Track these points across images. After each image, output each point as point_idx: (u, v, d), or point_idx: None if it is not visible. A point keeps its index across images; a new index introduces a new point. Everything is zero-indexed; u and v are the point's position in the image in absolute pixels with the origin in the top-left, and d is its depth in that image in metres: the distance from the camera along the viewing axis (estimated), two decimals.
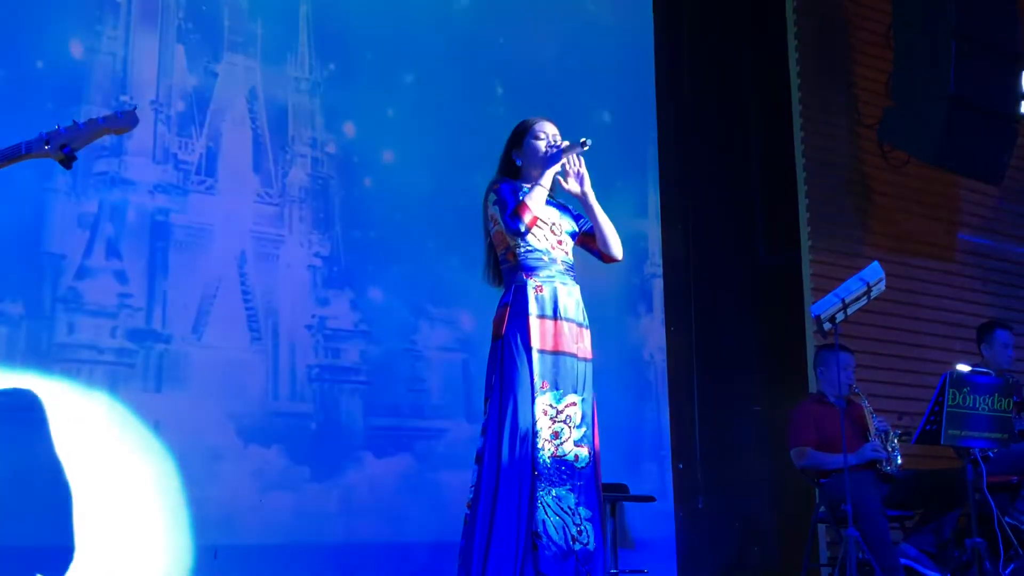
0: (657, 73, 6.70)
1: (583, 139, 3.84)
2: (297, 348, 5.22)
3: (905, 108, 6.93)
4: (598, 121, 6.27)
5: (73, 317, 4.69)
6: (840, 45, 7.38)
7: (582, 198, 4.04)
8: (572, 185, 4.03)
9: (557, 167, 3.92)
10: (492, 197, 3.95)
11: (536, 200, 3.84)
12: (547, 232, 3.95)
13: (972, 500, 5.07)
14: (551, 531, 3.69)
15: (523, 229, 3.80)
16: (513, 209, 3.81)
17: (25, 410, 4.51)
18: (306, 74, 5.46)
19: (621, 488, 5.68)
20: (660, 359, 6.41)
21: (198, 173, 5.09)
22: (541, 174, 3.89)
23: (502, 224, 3.87)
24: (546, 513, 3.70)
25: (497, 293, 4.06)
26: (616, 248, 4.07)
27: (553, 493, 3.72)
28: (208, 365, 4.94)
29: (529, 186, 3.93)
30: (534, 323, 3.80)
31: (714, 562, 6.38)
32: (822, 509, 5.49)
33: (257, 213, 5.23)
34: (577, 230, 4.09)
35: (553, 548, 3.67)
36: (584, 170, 4.02)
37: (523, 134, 4.04)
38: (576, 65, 6.36)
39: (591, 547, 3.75)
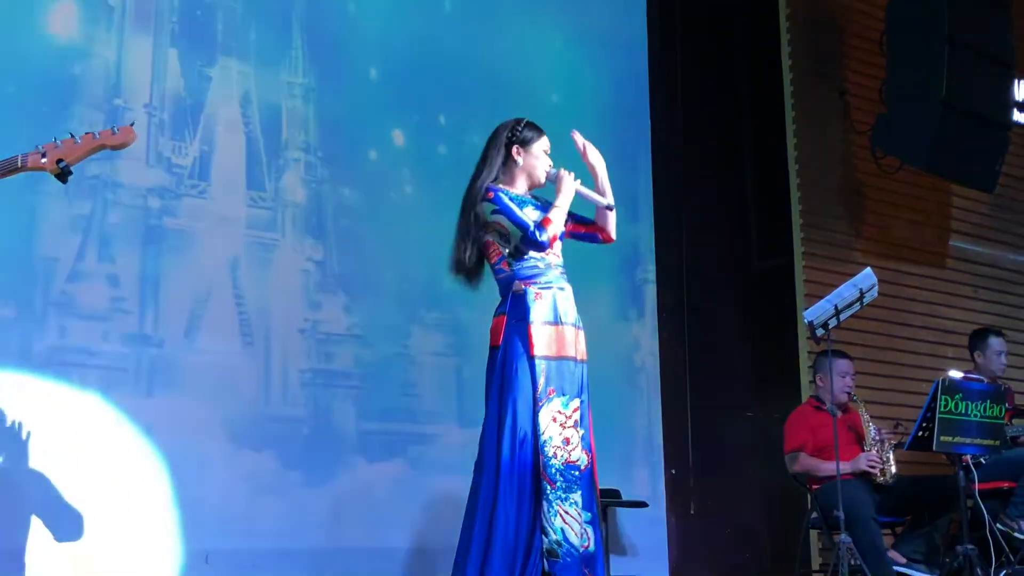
0: (651, 78, 6.71)
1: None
2: (289, 352, 5.21)
3: (898, 115, 6.95)
4: (591, 127, 6.27)
5: (65, 320, 4.68)
6: (833, 51, 7.40)
7: (597, 170, 4.10)
8: (593, 156, 4.09)
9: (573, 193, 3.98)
10: (491, 206, 3.90)
11: (559, 219, 3.91)
12: None
13: (964, 506, 5.08)
14: (571, 538, 3.69)
15: (545, 239, 3.85)
16: (538, 224, 3.85)
17: (16, 413, 4.49)
18: (300, 79, 5.46)
19: (613, 493, 5.68)
20: (652, 364, 6.41)
21: (191, 177, 5.09)
22: (559, 196, 3.93)
23: (519, 238, 3.86)
24: (564, 521, 3.70)
25: (489, 295, 4.06)
26: (614, 227, 4.15)
27: (571, 499, 3.73)
28: (200, 369, 4.94)
29: (516, 189, 4.00)
30: (536, 330, 3.81)
31: (706, 568, 6.37)
32: (814, 515, 5.50)
33: (250, 217, 5.22)
34: (564, 230, 4.09)
35: (574, 554, 3.68)
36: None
37: (531, 140, 4.05)
38: (569, 72, 6.37)
39: (592, 549, 3.76)
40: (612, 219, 4.12)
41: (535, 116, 4.20)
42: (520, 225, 3.86)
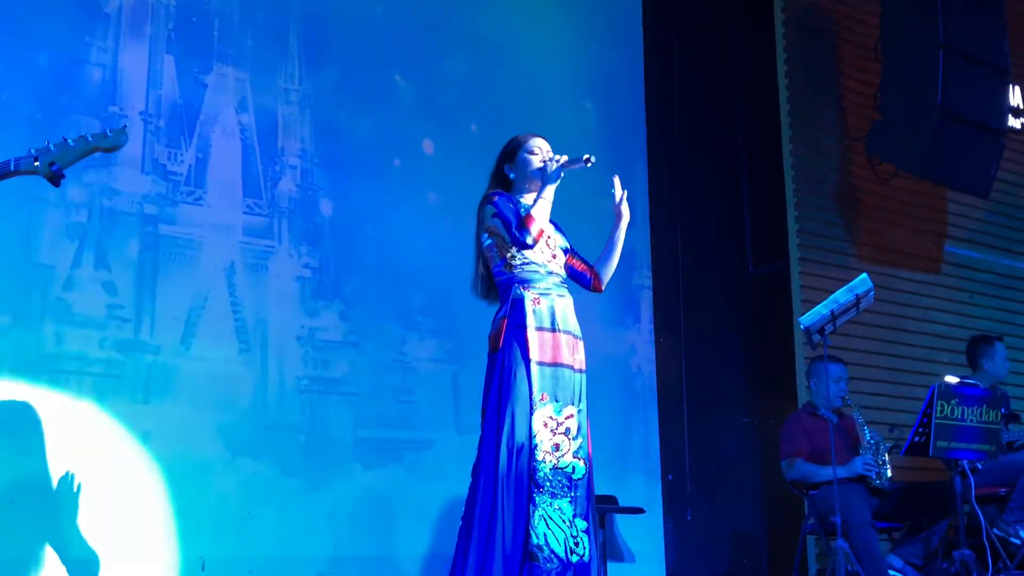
0: (647, 84, 6.72)
1: (587, 156, 3.90)
2: (286, 359, 5.21)
3: (893, 121, 6.95)
4: (587, 132, 6.28)
5: (61, 328, 4.67)
6: (829, 58, 7.41)
7: (620, 221, 4.13)
8: (624, 209, 4.11)
9: (558, 181, 3.96)
10: (490, 210, 3.96)
11: (542, 213, 3.90)
12: (543, 245, 3.98)
13: (960, 512, 5.08)
14: (553, 544, 3.70)
15: (531, 241, 3.85)
16: (520, 222, 3.85)
17: (12, 421, 4.49)
18: (296, 85, 5.46)
19: (610, 500, 5.68)
20: (648, 370, 6.41)
21: (187, 184, 5.09)
22: (542, 188, 3.93)
23: (506, 237, 3.89)
24: (547, 526, 3.71)
25: (488, 304, 4.08)
26: (609, 279, 4.17)
27: (555, 505, 3.73)
28: (197, 376, 4.93)
29: (527, 199, 3.98)
30: (532, 335, 3.82)
31: (703, 574, 6.37)
32: (811, 521, 5.49)
33: (246, 224, 5.22)
34: (569, 247, 4.13)
35: (555, 561, 3.68)
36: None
37: (517, 149, 4.09)
38: (566, 78, 6.37)
39: (586, 558, 3.76)
40: (612, 264, 4.14)
41: (524, 123, 4.23)
42: (505, 222, 3.88)
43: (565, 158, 3.96)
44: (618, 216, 4.12)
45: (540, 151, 4.05)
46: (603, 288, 4.17)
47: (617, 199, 4.11)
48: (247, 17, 5.38)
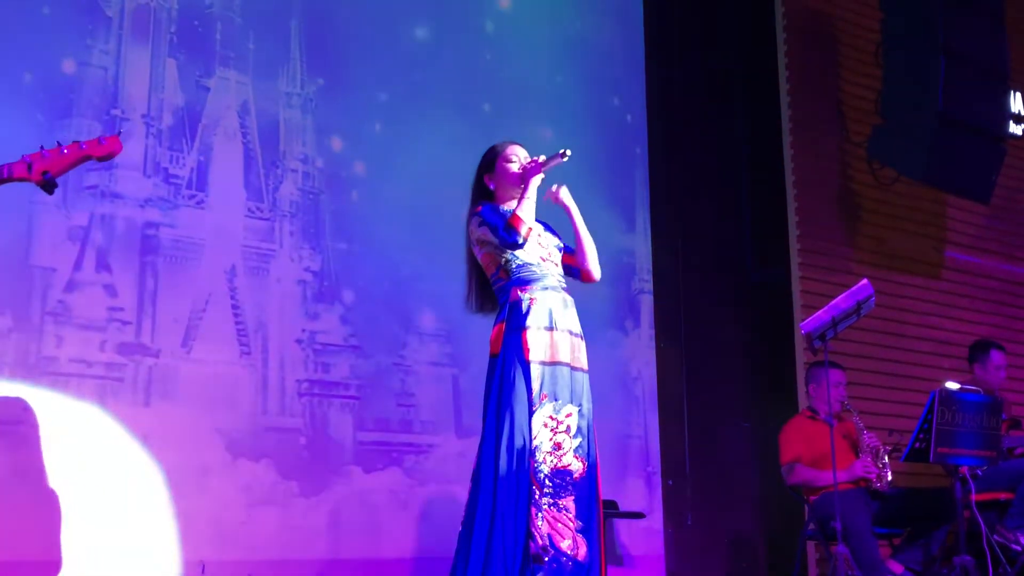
0: (648, 90, 6.72)
1: (562, 149, 3.91)
2: (287, 362, 5.21)
3: (894, 126, 6.97)
4: (587, 135, 6.29)
5: (62, 330, 4.67)
6: (829, 63, 7.41)
7: (569, 211, 4.13)
8: (564, 197, 4.12)
9: (540, 179, 3.97)
10: (477, 220, 3.99)
11: (528, 212, 3.90)
12: (534, 245, 3.99)
13: (960, 517, 5.08)
14: (560, 544, 3.70)
15: (520, 241, 3.85)
16: (507, 223, 3.85)
17: (13, 423, 4.49)
18: (298, 89, 5.46)
19: (610, 504, 5.67)
20: (648, 375, 6.41)
21: (189, 187, 5.09)
22: (525, 188, 3.94)
23: (496, 241, 3.89)
24: (551, 527, 3.70)
25: (484, 316, 4.09)
26: (596, 266, 4.16)
27: (559, 505, 3.73)
28: (197, 379, 4.93)
29: (510, 207, 3.99)
30: (531, 335, 3.83)
31: None
32: (811, 526, 5.49)
33: (247, 227, 5.22)
34: (562, 245, 4.13)
35: (563, 559, 3.68)
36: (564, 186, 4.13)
37: (494, 159, 4.11)
38: (565, 82, 6.38)
39: (586, 559, 3.75)
40: (587, 250, 4.12)
41: (519, 125, 4.22)
42: (493, 226, 3.89)
43: (543, 157, 3.98)
44: (563, 206, 4.12)
45: (517, 158, 4.07)
46: (594, 276, 4.15)
47: (548, 196, 4.12)
48: (249, 21, 5.38)
